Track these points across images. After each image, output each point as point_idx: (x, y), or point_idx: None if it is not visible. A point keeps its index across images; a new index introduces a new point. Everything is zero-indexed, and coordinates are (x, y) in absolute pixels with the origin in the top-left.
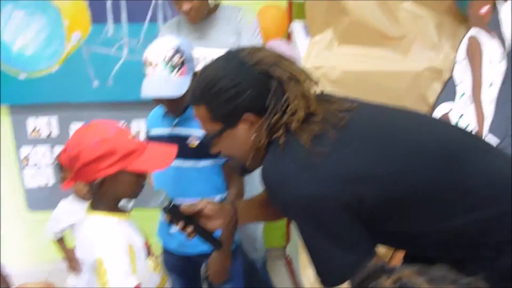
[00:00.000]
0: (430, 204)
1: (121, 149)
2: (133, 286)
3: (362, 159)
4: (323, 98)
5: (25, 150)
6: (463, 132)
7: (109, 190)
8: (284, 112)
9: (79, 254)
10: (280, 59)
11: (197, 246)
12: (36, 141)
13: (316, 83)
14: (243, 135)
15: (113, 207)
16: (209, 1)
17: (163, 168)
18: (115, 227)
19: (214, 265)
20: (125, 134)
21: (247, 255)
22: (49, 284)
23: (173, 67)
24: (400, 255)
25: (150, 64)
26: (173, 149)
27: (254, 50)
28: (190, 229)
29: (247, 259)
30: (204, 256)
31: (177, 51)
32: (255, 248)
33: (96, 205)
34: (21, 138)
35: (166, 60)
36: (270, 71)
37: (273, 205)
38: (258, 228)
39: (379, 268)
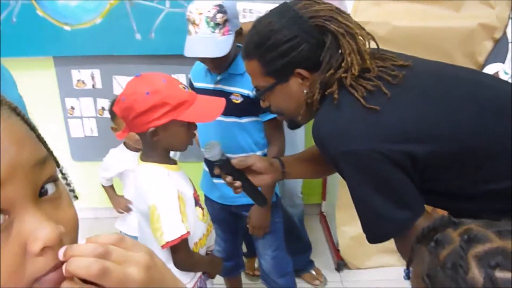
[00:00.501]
0: (485, 163)
1: (173, 100)
2: (184, 232)
3: (415, 118)
4: (378, 54)
5: (69, 101)
6: None
7: (161, 140)
8: (339, 67)
9: (133, 201)
10: (336, 13)
11: (239, 197)
12: (80, 93)
13: (371, 38)
14: (295, 90)
15: (164, 158)
16: None
17: (212, 119)
18: (167, 176)
19: (255, 217)
20: (176, 85)
21: (285, 209)
22: (121, 237)
23: (216, 26)
24: (440, 211)
25: (193, 22)
26: (222, 101)
27: (309, 3)
28: (238, 183)
29: (286, 213)
30: (246, 207)
31: (220, 9)
32: (294, 203)
33: (147, 156)
34: (66, 89)
35: (209, 19)
36: (326, 25)
37: (324, 158)
38: (298, 184)
39: (446, 220)
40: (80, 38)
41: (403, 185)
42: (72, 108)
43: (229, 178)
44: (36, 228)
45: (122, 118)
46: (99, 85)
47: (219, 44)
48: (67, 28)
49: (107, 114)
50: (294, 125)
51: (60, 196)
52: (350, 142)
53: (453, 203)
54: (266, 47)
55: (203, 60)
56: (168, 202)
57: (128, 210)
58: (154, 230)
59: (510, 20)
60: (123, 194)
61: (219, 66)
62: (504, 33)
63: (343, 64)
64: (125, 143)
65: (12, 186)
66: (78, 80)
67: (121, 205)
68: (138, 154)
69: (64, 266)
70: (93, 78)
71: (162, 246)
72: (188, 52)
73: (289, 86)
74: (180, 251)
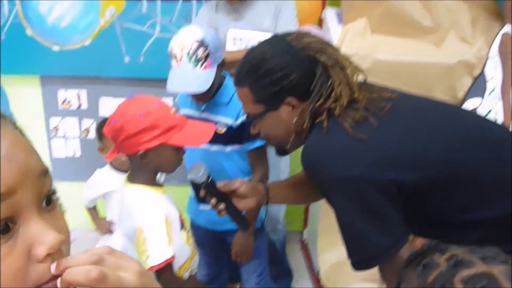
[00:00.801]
0: (467, 192)
1: (164, 123)
2: (170, 256)
3: (402, 146)
4: (365, 86)
5: (54, 120)
6: (497, 125)
7: (150, 163)
8: (328, 97)
9: (118, 223)
10: (326, 46)
11: (224, 223)
12: (65, 113)
13: (359, 71)
14: (285, 117)
15: (151, 180)
16: None
17: (202, 143)
18: (154, 199)
19: (238, 243)
20: (168, 109)
21: (267, 235)
22: (111, 249)
23: (197, 61)
24: (421, 240)
25: (175, 57)
26: (211, 126)
27: (300, 35)
28: (222, 206)
29: (268, 239)
30: (230, 233)
31: (201, 44)
32: (276, 229)
33: (135, 177)
34: (51, 108)
35: (190, 54)
36: (317, 56)
37: (312, 184)
38: (281, 210)
39: (433, 245)
40: (69, 58)
41: (388, 213)
42: (56, 128)
43: (213, 200)
44: (41, 234)
45: (112, 139)
46: (85, 105)
47: (200, 79)
48: (55, 48)
49: (91, 135)
50: (282, 152)
51: (56, 208)
52: (338, 169)
53: (435, 231)
54: (258, 75)
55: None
56: (155, 225)
57: (111, 231)
58: (140, 253)
59: (488, 58)
60: (106, 216)
61: (202, 97)
62: (482, 71)
63: (332, 95)
64: (111, 164)
65: (22, 193)
66: (64, 100)
67: (104, 226)
68: (123, 175)
69: (59, 279)
70: (79, 98)
71: (148, 270)
72: (171, 87)
73: (280, 114)
74: (165, 274)
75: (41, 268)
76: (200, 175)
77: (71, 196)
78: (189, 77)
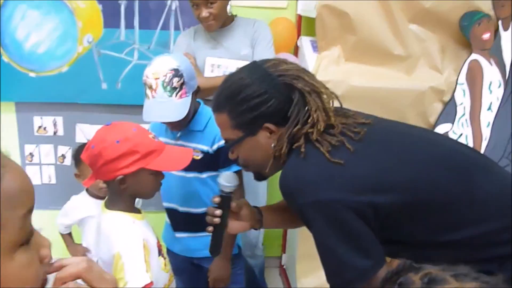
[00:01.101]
0: (441, 213)
1: (142, 148)
2: (148, 282)
3: (377, 171)
4: (341, 111)
5: (29, 147)
6: (470, 149)
7: (128, 188)
8: (305, 122)
9: (95, 249)
10: (303, 73)
11: (201, 250)
12: (41, 139)
13: (335, 97)
14: (263, 143)
15: (129, 206)
16: (227, 10)
17: (180, 168)
18: (132, 225)
19: (215, 270)
20: (146, 134)
21: (246, 261)
22: (89, 260)
23: (172, 90)
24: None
25: (150, 86)
26: (189, 151)
27: (278, 62)
28: (217, 220)
29: (246, 265)
30: (207, 260)
31: (176, 73)
32: (254, 254)
33: (113, 204)
34: (26, 135)
35: (166, 84)
36: (294, 83)
37: (290, 208)
38: (259, 235)
39: (408, 265)
40: (45, 85)
41: (365, 235)
42: (31, 154)
43: (218, 212)
44: (42, 240)
45: (90, 165)
46: (61, 132)
47: (176, 108)
48: (32, 74)
49: (67, 162)
50: (260, 177)
51: None
52: (316, 193)
53: (411, 252)
54: (237, 101)
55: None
56: (134, 251)
57: None
58: (117, 280)
59: (457, 85)
60: (82, 243)
61: (178, 125)
62: (453, 96)
63: (309, 120)
64: (87, 190)
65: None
66: (40, 127)
67: (79, 253)
68: (99, 201)
69: (56, 274)
70: (55, 125)
71: None
72: (147, 116)
73: (258, 139)
74: None
75: (44, 268)
76: (232, 185)
77: (46, 224)
78: (165, 106)
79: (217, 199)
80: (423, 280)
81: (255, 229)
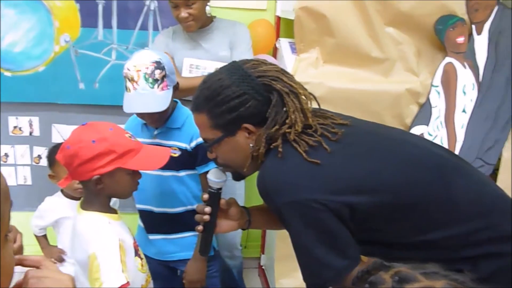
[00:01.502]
0: (417, 214)
1: (119, 148)
2: (124, 282)
3: (354, 171)
4: (319, 112)
5: (4, 148)
6: (445, 149)
7: (105, 188)
8: (283, 123)
9: (69, 250)
10: (281, 74)
11: (175, 253)
12: (16, 140)
13: (313, 98)
14: (242, 143)
15: (105, 206)
16: (206, 11)
17: (157, 167)
18: (108, 225)
19: (191, 271)
20: (123, 134)
21: (224, 262)
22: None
23: (154, 82)
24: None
25: (131, 79)
26: (167, 150)
27: (257, 63)
28: (207, 217)
29: (224, 266)
30: (182, 262)
31: (158, 66)
32: (233, 255)
33: (89, 204)
34: (1, 135)
35: (148, 75)
36: (272, 84)
37: (268, 207)
38: (237, 236)
39: (379, 264)
40: (21, 85)
41: (341, 235)
42: (6, 155)
43: (208, 209)
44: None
45: (66, 165)
46: (37, 132)
47: (158, 99)
48: (7, 74)
49: (43, 163)
50: (238, 177)
51: None
52: (292, 192)
53: (387, 252)
54: (216, 102)
55: (142, 115)
56: (109, 251)
57: (61, 260)
58: (93, 281)
59: (432, 87)
60: (57, 244)
61: (158, 120)
62: (428, 99)
63: (287, 121)
64: (62, 191)
65: None
66: (15, 127)
67: (54, 255)
68: (74, 202)
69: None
70: (31, 125)
71: None
72: (128, 108)
73: (236, 140)
74: None
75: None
76: (220, 180)
77: (21, 226)
78: (147, 98)
79: (206, 196)
80: (394, 279)
81: (243, 229)
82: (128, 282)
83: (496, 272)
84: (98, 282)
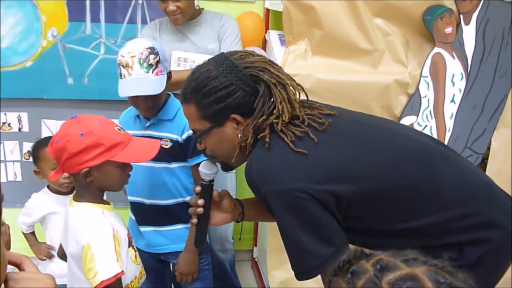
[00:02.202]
0: (401, 202)
1: (107, 141)
2: (119, 271)
3: (340, 160)
4: (307, 103)
5: None
6: (432, 139)
7: (95, 181)
8: (271, 113)
9: (63, 243)
10: (269, 65)
11: (166, 245)
12: (5, 136)
13: (301, 89)
14: (230, 133)
15: (97, 198)
16: (195, 4)
17: (147, 160)
18: (101, 215)
19: (182, 263)
20: (111, 126)
21: (216, 255)
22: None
23: (149, 67)
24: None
25: (126, 65)
26: (156, 142)
27: (245, 54)
28: (200, 210)
29: (216, 259)
30: (174, 254)
31: (152, 51)
32: (224, 248)
33: (81, 196)
34: None
35: (142, 60)
36: (260, 75)
37: (256, 198)
38: (228, 229)
39: (359, 252)
40: (8, 80)
41: (327, 223)
42: None
43: (200, 201)
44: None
45: (56, 159)
46: (26, 128)
47: (153, 83)
48: None
49: None
50: (227, 168)
51: None
52: (278, 182)
53: (373, 240)
54: (204, 93)
55: (136, 103)
56: (103, 241)
57: (51, 256)
58: (87, 271)
59: (421, 78)
60: (45, 241)
61: (152, 107)
62: (417, 89)
63: (274, 111)
64: (48, 186)
65: None
66: (4, 123)
67: (43, 252)
68: (61, 197)
69: None
70: (20, 121)
71: (96, 286)
72: (123, 93)
73: (224, 130)
74: None
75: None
76: (211, 172)
77: (12, 223)
78: (142, 82)
79: (198, 189)
80: (375, 267)
81: (237, 222)
82: (122, 271)
83: (481, 258)
84: (93, 271)
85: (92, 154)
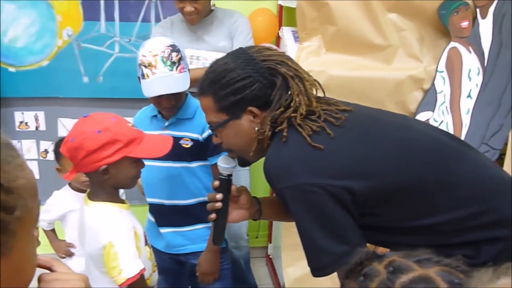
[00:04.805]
0: (417, 199)
1: (124, 137)
2: (142, 267)
3: (356, 156)
4: (323, 99)
5: None
6: (449, 134)
7: (111, 178)
8: (288, 106)
9: (81, 243)
10: (286, 59)
11: (186, 246)
12: (22, 135)
13: (317, 84)
14: (247, 126)
15: (113, 196)
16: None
17: (162, 154)
18: (119, 214)
19: (204, 264)
20: (125, 123)
21: (231, 252)
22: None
23: (172, 64)
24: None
25: (149, 64)
26: (169, 138)
27: (262, 48)
28: (219, 204)
29: (231, 256)
30: (194, 255)
31: (173, 48)
32: (239, 245)
33: (96, 195)
34: (7, 130)
35: (165, 58)
36: (277, 67)
37: (274, 192)
38: (243, 226)
39: (371, 254)
40: (25, 80)
41: (342, 220)
42: None
43: (219, 196)
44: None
45: (70, 158)
46: (43, 127)
47: (179, 80)
48: (11, 69)
49: (50, 157)
50: (244, 163)
51: None
52: (295, 176)
53: (387, 237)
54: (221, 85)
55: (159, 102)
56: (125, 238)
57: (70, 254)
58: (111, 269)
59: (437, 73)
60: (65, 238)
61: (175, 106)
62: (432, 84)
63: (292, 104)
64: (70, 184)
65: None
66: (21, 122)
67: (63, 249)
68: (82, 195)
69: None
70: (37, 120)
71: (121, 284)
72: (149, 93)
73: (241, 123)
74: (140, 286)
75: None
76: (230, 166)
77: None
78: (167, 80)
79: (216, 183)
80: (388, 269)
81: (254, 220)
82: (144, 268)
83: (499, 257)
84: (117, 269)
85: (110, 151)
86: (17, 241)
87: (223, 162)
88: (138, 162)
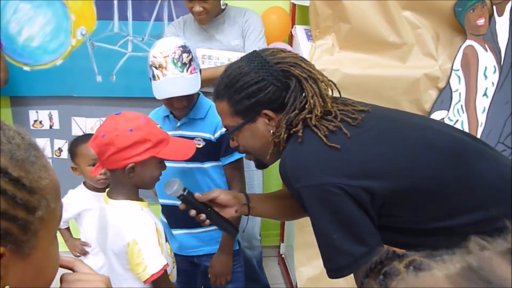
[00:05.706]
0: (437, 199)
1: (153, 137)
2: (165, 263)
3: (373, 156)
4: (339, 100)
5: None
6: (468, 134)
7: (136, 177)
8: (303, 108)
9: (96, 242)
10: (300, 60)
11: (199, 247)
12: (37, 133)
13: (333, 85)
14: (262, 129)
15: (134, 194)
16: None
17: (187, 157)
18: (141, 211)
19: (217, 265)
20: (154, 124)
21: (244, 252)
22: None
23: (183, 66)
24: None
25: (159, 66)
26: (191, 142)
27: (276, 50)
28: (203, 216)
29: (244, 256)
30: (207, 256)
31: (184, 49)
32: (252, 245)
33: (117, 193)
34: None
35: (176, 60)
36: (291, 70)
37: (290, 193)
38: (255, 226)
39: (391, 253)
40: (40, 79)
41: (360, 221)
42: None
43: (193, 212)
44: None
45: (98, 154)
46: (56, 125)
47: (189, 82)
48: (26, 68)
49: (64, 155)
50: (261, 165)
51: None
52: (312, 176)
53: (405, 239)
54: (235, 89)
55: (170, 103)
56: (148, 235)
57: (85, 253)
58: (135, 266)
59: (453, 71)
60: (79, 237)
61: (187, 107)
62: (448, 83)
63: (306, 106)
64: (85, 183)
65: None
66: (35, 121)
67: (77, 248)
68: (97, 194)
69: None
70: (51, 118)
71: (146, 281)
72: (160, 95)
73: (257, 126)
74: (163, 282)
75: None
76: (174, 189)
77: None
78: (178, 82)
79: (182, 205)
80: (408, 268)
81: (245, 215)
82: (167, 264)
83: None
84: (142, 266)
85: (140, 150)
86: (39, 241)
87: (168, 190)
88: (161, 164)
